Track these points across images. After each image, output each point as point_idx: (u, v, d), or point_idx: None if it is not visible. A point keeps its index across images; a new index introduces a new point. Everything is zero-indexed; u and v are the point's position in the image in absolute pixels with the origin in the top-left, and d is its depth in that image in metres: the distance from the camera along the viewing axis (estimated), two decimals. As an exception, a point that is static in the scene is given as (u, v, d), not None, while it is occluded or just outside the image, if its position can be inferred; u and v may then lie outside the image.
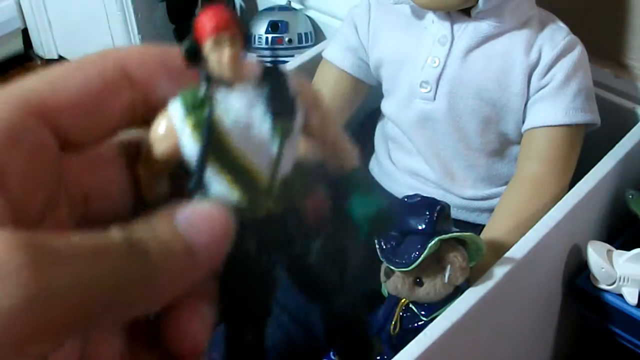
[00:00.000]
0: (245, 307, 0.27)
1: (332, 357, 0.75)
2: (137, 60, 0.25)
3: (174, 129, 0.24)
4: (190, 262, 0.23)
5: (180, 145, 0.24)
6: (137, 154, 0.25)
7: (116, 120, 0.25)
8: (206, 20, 0.24)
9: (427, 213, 0.64)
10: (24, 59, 1.54)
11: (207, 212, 0.23)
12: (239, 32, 0.24)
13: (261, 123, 0.24)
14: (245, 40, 0.24)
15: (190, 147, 0.24)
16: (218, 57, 0.24)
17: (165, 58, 0.26)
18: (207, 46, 0.24)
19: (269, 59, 1.15)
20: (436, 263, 0.64)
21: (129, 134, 0.26)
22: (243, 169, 0.24)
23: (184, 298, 0.24)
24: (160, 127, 0.24)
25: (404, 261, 0.63)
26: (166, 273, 0.22)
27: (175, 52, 0.26)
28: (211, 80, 0.24)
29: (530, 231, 0.68)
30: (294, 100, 0.25)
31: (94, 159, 0.25)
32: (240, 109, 0.24)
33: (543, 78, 0.75)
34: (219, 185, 0.24)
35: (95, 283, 0.21)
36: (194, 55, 0.24)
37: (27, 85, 0.25)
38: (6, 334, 0.20)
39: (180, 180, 0.25)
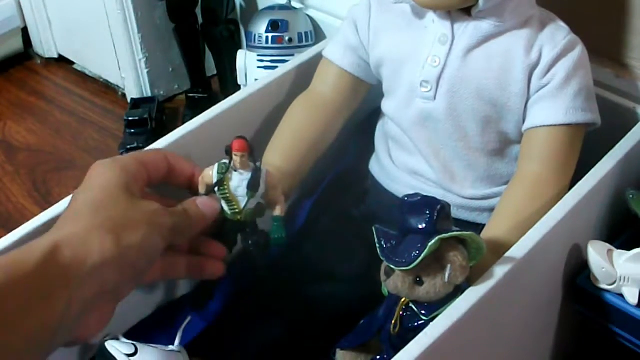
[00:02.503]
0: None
1: (332, 357, 0.75)
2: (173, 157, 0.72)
3: (211, 174, 0.71)
4: (202, 219, 0.68)
5: (212, 180, 0.71)
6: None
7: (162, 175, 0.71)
8: (235, 144, 0.69)
9: (428, 212, 0.64)
10: (24, 58, 1.54)
11: (207, 200, 0.70)
12: (248, 150, 0.69)
13: (243, 188, 0.70)
14: (251, 153, 0.69)
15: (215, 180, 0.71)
16: (235, 160, 0.69)
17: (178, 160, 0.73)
18: (234, 154, 0.69)
19: (269, 59, 1.15)
20: (436, 262, 0.64)
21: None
22: (231, 200, 0.71)
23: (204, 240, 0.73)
24: (207, 172, 0.71)
25: (404, 260, 0.63)
26: (195, 222, 0.67)
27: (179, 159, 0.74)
28: (230, 165, 0.70)
29: (531, 231, 0.68)
30: (259, 184, 0.70)
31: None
32: (237, 180, 0.70)
33: (543, 78, 0.75)
34: (223, 204, 0.72)
35: (168, 225, 0.63)
36: (228, 153, 0.69)
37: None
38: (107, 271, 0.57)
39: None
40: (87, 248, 0.56)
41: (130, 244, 0.58)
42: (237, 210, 0.72)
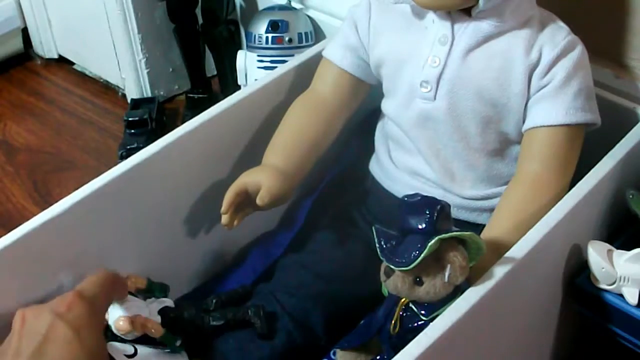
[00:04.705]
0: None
1: (332, 357, 0.76)
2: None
3: None
4: None
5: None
6: None
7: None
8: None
9: (427, 212, 0.64)
10: (24, 58, 1.54)
11: None
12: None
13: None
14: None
15: None
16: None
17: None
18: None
19: (269, 59, 1.15)
20: (436, 262, 0.64)
21: None
22: None
23: None
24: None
25: (403, 260, 0.63)
26: None
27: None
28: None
29: (531, 231, 0.68)
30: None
31: None
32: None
33: (543, 78, 0.75)
34: None
35: None
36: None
37: None
38: None
39: None
40: None
41: None
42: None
